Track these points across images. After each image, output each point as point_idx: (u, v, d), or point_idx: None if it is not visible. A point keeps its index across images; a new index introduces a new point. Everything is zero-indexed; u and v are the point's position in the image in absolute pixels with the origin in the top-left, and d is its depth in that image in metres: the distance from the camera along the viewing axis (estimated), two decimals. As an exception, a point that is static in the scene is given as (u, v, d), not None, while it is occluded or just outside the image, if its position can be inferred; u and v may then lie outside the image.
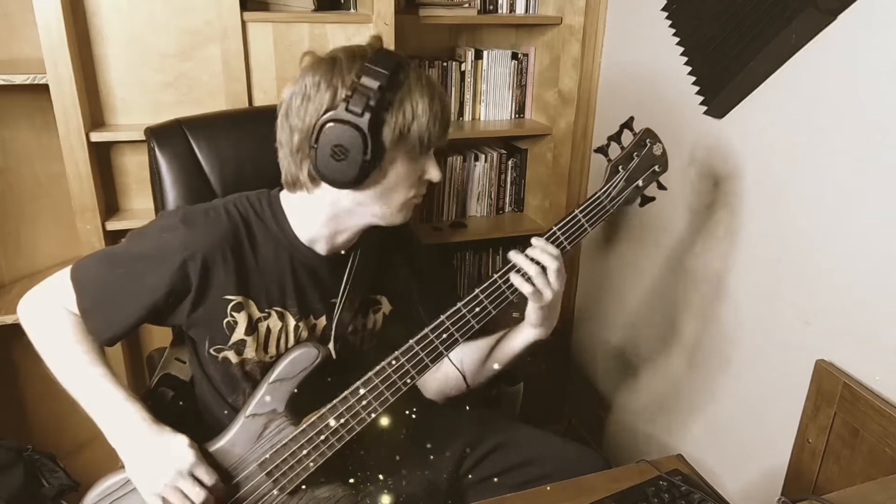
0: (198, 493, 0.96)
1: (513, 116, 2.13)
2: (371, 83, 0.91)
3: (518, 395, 1.43)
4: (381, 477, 1.13)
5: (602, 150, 1.14)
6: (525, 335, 1.13)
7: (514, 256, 1.03)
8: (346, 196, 0.99)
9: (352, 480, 1.10)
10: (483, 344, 1.18)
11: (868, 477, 1.16)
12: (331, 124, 0.92)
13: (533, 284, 1.02)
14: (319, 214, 1.03)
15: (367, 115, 0.91)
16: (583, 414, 2.16)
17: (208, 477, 0.97)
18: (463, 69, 2.02)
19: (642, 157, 1.11)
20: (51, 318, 1.02)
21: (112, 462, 1.03)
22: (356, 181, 0.95)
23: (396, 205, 1.02)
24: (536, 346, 1.14)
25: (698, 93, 1.52)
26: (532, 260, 1.02)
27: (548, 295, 1.03)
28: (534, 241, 1.04)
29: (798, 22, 1.25)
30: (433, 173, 1.02)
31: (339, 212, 1.02)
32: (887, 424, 1.12)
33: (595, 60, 1.91)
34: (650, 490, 0.99)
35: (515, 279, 1.02)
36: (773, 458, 1.40)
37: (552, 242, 1.05)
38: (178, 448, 0.97)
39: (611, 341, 1.99)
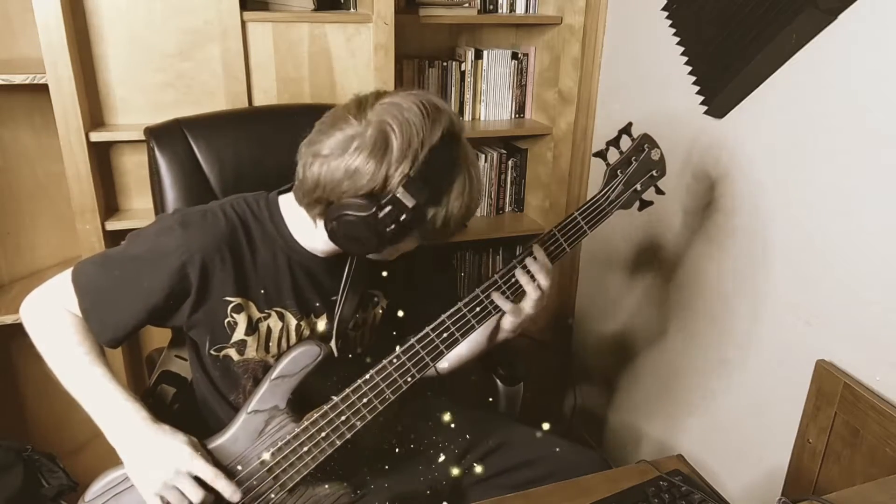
0: (196, 493, 0.96)
1: (513, 116, 2.13)
2: (408, 200, 0.89)
3: (518, 395, 1.43)
4: (381, 476, 1.13)
5: (601, 155, 1.15)
6: (501, 335, 1.18)
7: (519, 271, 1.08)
8: None
9: (352, 479, 1.10)
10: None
11: (868, 477, 1.16)
12: (355, 219, 0.90)
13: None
14: (320, 234, 1.02)
15: (393, 228, 0.90)
16: (583, 414, 2.15)
17: (210, 473, 0.97)
18: (463, 69, 2.01)
19: (640, 161, 1.13)
20: (52, 318, 1.02)
21: (112, 462, 1.03)
22: (359, 256, 0.95)
23: (389, 255, 1.04)
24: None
25: (699, 93, 1.52)
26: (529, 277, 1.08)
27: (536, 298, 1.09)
28: (531, 257, 1.09)
29: (798, 22, 1.25)
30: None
31: None
32: (888, 424, 1.12)
33: (595, 60, 1.91)
34: (650, 490, 0.99)
35: (498, 298, 1.07)
36: (773, 458, 1.40)
37: (552, 243, 1.09)
38: (177, 447, 0.97)
39: (611, 341, 1.99)
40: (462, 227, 0.98)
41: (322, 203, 0.94)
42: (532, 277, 1.07)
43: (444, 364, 1.24)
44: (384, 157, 0.88)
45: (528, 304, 1.09)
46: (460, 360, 1.22)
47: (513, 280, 1.07)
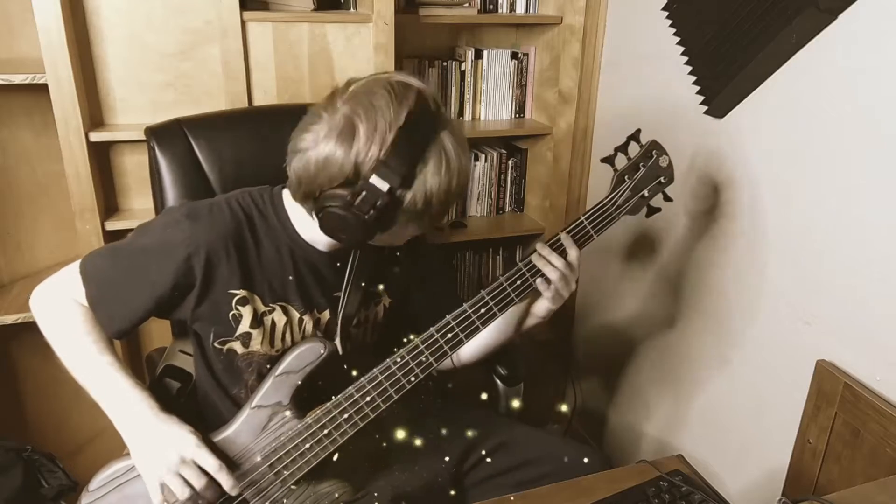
0: (199, 480, 0.96)
1: (513, 116, 2.13)
2: (381, 184, 0.89)
3: (518, 395, 1.43)
4: (381, 474, 1.13)
5: (609, 161, 1.16)
6: (532, 320, 1.19)
7: (537, 260, 1.08)
8: None
9: (353, 477, 1.10)
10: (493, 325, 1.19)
11: (869, 477, 1.16)
12: (335, 210, 0.91)
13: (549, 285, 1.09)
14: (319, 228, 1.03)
15: (373, 214, 0.90)
16: (583, 414, 2.15)
17: (213, 463, 0.97)
18: (463, 69, 2.01)
19: (648, 167, 1.14)
20: (61, 309, 1.04)
21: (111, 462, 1.03)
22: (354, 247, 0.96)
23: (393, 243, 1.05)
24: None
25: (699, 93, 1.52)
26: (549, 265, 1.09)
27: (564, 295, 1.12)
28: (539, 247, 1.08)
29: (799, 22, 1.25)
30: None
31: None
32: (888, 425, 1.12)
33: (595, 60, 1.91)
34: (651, 490, 0.98)
35: (540, 284, 1.08)
36: (773, 458, 1.40)
37: (557, 248, 1.09)
38: (183, 435, 0.97)
39: (611, 341, 1.99)
40: (451, 203, 0.97)
41: (309, 198, 0.96)
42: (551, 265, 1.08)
43: (467, 353, 1.24)
44: (352, 143, 0.89)
45: (572, 257, 1.09)
46: (482, 352, 1.23)
47: (518, 282, 1.06)
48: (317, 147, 0.91)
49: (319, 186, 0.93)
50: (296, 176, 0.95)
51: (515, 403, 1.40)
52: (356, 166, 0.89)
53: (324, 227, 0.96)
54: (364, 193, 0.89)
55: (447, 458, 1.19)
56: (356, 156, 0.89)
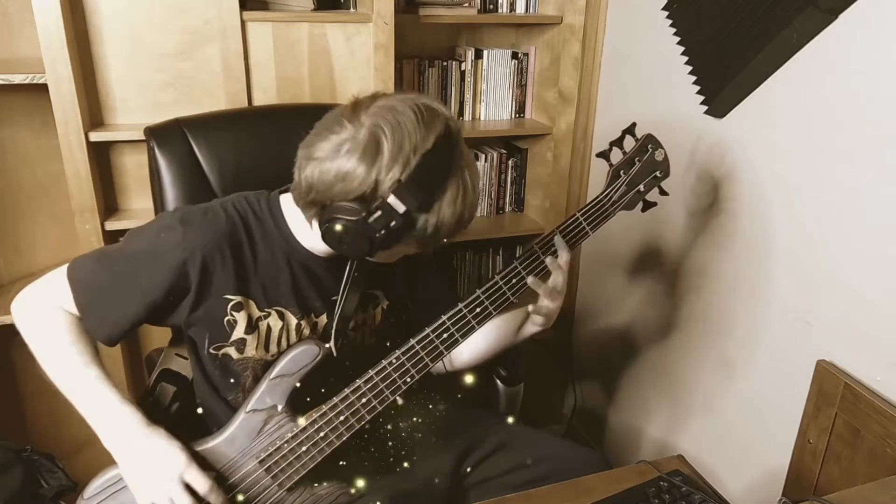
0: (188, 501, 0.96)
1: (513, 116, 2.13)
2: (398, 206, 0.88)
3: (518, 395, 1.43)
4: (380, 476, 1.13)
5: (604, 155, 1.15)
6: (529, 329, 1.19)
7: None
8: None
9: (351, 478, 1.10)
10: (492, 329, 1.21)
11: (869, 477, 1.16)
12: (345, 223, 0.90)
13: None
14: (318, 234, 1.02)
15: (384, 233, 0.89)
16: (583, 414, 2.15)
17: (203, 484, 0.96)
18: (463, 69, 2.01)
19: (644, 162, 1.13)
20: (46, 317, 1.01)
21: (111, 461, 1.03)
22: (352, 259, 0.96)
23: (388, 260, 1.04)
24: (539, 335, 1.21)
25: (699, 92, 1.52)
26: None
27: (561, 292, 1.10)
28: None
29: (799, 21, 1.25)
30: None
31: None
32: (888, 425, 1.12)
33: (595, 60, 1.91)
34: (651, 491, 0.99)
35: (531, 280, 1.07)
36: (773, 458, 1.40)
37: (550, 249, 1.09)
38: (173, 454, 0.96)
39: (611, 341, 1.99)
40: (456, 234, 0.97)
41: (316, 205, 0.94)
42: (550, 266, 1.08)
43: (464, 357, 1.25)
44: (375, 160, 0.88)
45: (557, 282, 1.09)
46: (479, 356, 1.24)
47: (514, 280, 1.06)
48: (337, 159, 0.89)
49: (332, 197, 0.91)
50: (307, 183, 0.93)
51: (515, 404, 1.40)
52: (376, 184, 0.88)
53: (327, 238, 0.94)
54: (379, 213, 0.88)
55: (447, 459, 1.19)
56: (377, 173, 0.88)
